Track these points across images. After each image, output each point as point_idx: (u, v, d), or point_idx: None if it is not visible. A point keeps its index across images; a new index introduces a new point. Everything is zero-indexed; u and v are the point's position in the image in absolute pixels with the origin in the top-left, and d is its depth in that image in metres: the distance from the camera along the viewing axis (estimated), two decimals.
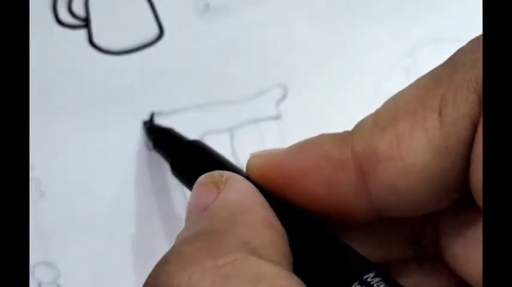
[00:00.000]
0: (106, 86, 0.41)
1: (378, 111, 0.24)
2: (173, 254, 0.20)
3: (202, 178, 0.25)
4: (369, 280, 0.20)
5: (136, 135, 0.40)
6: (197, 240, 0.21)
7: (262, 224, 0.21)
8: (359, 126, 0.24)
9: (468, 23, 0.44)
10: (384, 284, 0.20)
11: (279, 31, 0.43)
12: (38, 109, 0.39)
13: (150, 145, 0.39)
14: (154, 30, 0.42)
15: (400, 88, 0.43)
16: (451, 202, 0.23)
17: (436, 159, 0.21)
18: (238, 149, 0.40)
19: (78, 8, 0.42)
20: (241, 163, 0.40)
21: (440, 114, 0.21)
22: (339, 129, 0.41)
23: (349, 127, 0.42)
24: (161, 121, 0.40)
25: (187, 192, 0.39)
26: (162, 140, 0.37)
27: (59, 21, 0.41)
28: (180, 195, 0.39)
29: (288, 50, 0.42)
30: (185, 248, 0.20)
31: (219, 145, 0.40)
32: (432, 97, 0.22)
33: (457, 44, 0.44)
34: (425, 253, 0.26)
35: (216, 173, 0.25)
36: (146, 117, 0.40)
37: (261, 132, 0.41)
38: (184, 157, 0.32)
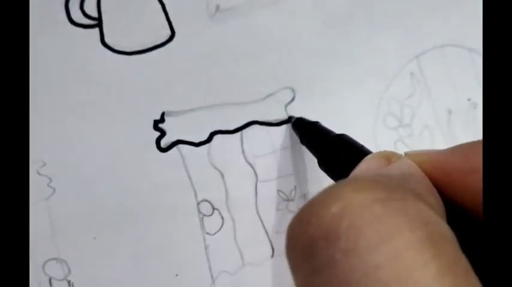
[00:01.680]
0: (117, 85, 0.41)
1: None
2: (347, 179, 0.20)
3: (372, 154, 0.26)
4: None
5: (147, 134, 0.40)
6: (373, 176, 0.21)
7: (430, 190, 0.22)
8: None
9: (471, 30, 0.45)
10: None
11: (288, 35, 0.43)
12: (50, 107, 0.40)
13: (162, 143, 0.40)
14: (165, 32, 0.42)
15: (406, 91, 0.44)
16: None
17: None
18: (247, 149, 0.41)
19: (91, 8, 0.42)
20: (251, 163, 0.41)
21: None
22: (348, 129, 0.42)
23: (358, 128, 0.43)
24: (171, 121, 0.41)
25: (198, 190, 0.39)
26: (308, 134, 0.37)
27: (72, 21, 0.42)
28: (190, 193, 0.40)
29: (297, 54, 0.43)
30: (360, 178, 0.20)
31: (228, 145, 0.41)
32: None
33: (460, 50, 0.45)
34: None
35: (387, 150, 0.25)
36: (156, 116, 0.41)
37: (270, 133, 0.41)
38: (332, 150, 0.32)
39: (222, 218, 0.40)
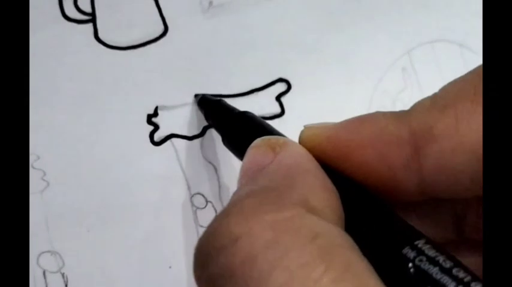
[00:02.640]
0: (111, 80, 0.41)
1: (436, 94, 0.24)
2: (235, 207, 0.20)
3: (257, 141, 0.25)
4: (419, 245, 0.21)
5: (140, 128, 0.41)
6: (258, 195, 0.21)
7: (318, 185, 0.22)
8: (416, 106, 0.24)
9: (463, 24, 0.45)
10: (433, 251, 0.20)
11: (281, 30, 0.43)
12: (44, 101, 0.40)
13: (156, 137, 0.40)
14: (158, 27, 0.42)
15: (397, 86, 0.44)
16: None
17: None
18: None
19: (84, 4, 0.42)
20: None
21: None
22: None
23: None
24: (165, 115, 0.41)
25: (191, 184, 0.40)
26: (212, 111, 0.38)
27: (65, 16, 0.42)
28: (183, 186, 0.40)
29: (289, 49, 0.43)
30: (246, 202, 0.20)
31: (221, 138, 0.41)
32: None
33: (451, 45, 0.46)
34: (465, 237, 0.27)
35: (272, 137, 0.25)
36: (150, 111, 0.41)
37: None
38: (235, 127, 0.32)
39: (215, 211, 0.40)
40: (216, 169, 0.40)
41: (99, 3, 0.42)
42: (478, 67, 0.24)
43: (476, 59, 0.45)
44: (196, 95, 0.41)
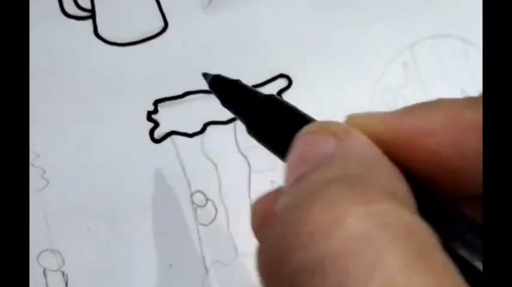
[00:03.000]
0: (110, 76, 0.41)
1: None
2: (315, 195, 0.18)
3: (313, 127, 0.22)
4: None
5: (140, 125, 0.40)
6: (342, 182, 0.18)
7: (395, 177, 0.20)
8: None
9: (464, 20, 0.45)
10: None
11: (281, 25, 0.43)
12: (44, 98, 0.40)
13: (156, 134, 0.40)
14: (158, 23, 0.42)
15: (399, 81, 0.44)
16: None
17: None
18: (240, 140, 0.41)
19: (84, 0, 0.42)
20: (244, 153, 0.41)
21: None
22: (341, 119, 0.42)
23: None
24: (165, 112, 0.41)
25: (191, 182, 0.40)
26: (232, 95, 0.31)
27: (65, 13, 0.42)
28: (183, 184, 0.40)
29: (290, 44, 0.43)
30: (329, 190, 0.18)
31: (222, 135, 0.41)
32: None
33: (453, 40, 0.45)
34: None
35: (331, 123, 0.22)
36: (150, 107, 0.41)
37: None
38: (264, 114, 0.27)
39: (216, 209, 0.40)
40: (216, 167, 0.40)
41: (99, 0, 0.42)
42: None
43: (478, 54, 0.44)
44: (205, 75, 0.34)
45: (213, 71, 0.41)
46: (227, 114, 0.41)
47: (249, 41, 0.43)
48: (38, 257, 0.38)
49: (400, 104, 0.45)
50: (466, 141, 0.21)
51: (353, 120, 0.22)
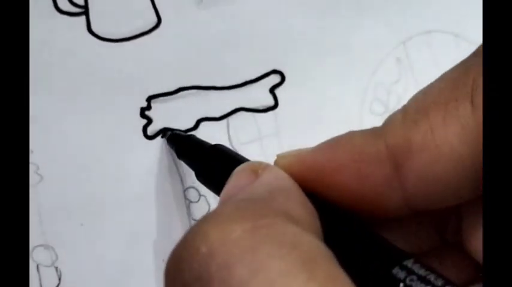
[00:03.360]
0: (104, 72, 0.41)
1: (406, 106, 0.24)
2: (211, 214, 0.20)
3: (240, 167, 0.25)
4: (409, 265, 0.20)
5: (133, 121, 0.40)
6: (235, 203, 0.21)
7: (299, 202, 0.22)
8: (389, 120, 0.23)
9: (458, 16, 0.45)
10: (423, 270, 0.20)
11: (274, 21, 0.43)
12: (36, 94, 0.40)
13: (149, 131, 0.40)
14: (152, 19, 0.42)
15: (392, 77, 0.44)
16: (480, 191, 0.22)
17: (469, 146, 0.21)
18: (233, 136, 0.41)
19: None
20: (237, 149, 0.41)
21: (471, 101, 0.21)
22: (334, 116, 0.42)
23: (344, 114, 0.43)
24: (158, 108, 0.41)
25: (184, 178, 0.40)
26: (184, 148, 0.37)
27: (58, 9, 0.42)
28: (177, 180, 0.40)
29: (283, 40, 0.43)
30: (224, 209, 0.20)
31: (214, 131, 0.41)
32: (462, 86, 0.22)
33: (447, 35, 0.45)
34: (448, 243, 0.26)
35: (255, 162, 0.25)
36: (143, 104, 0.41)
37: (256, 119, 0.42)
38: (209, 162, 0.32)
39: (209, 204, 0.40)
40: None
41: None
42: (446, 73, 0.24)
43: (472, 49, 0.44)
44: (164, 131, 0.40)
45: (206, 66, 0.42)
46: (220, 111, 0.42)
47: (242, 37, 0.43)
48: (31, 252, 0.38)
49: (393, 100, 0.45)
50: (370, 173, 0.23)
51: (280, 159, 0.25)
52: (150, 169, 0.40)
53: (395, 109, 0.42)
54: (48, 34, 0.41)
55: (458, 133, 0.21)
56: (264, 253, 0.18)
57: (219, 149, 0.32)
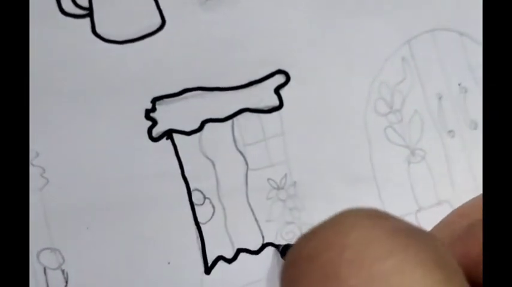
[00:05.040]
0: (109, 74, 0.41)
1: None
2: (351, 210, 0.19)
3: None
4: None
5: (139, 123, 0.41)
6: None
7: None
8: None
9: (463, 14, 0.45)
10: None
11: (279, 21, 0.43)
12: (42, 97, 0.40)
13: (154, 132, 0.40)
14: (156, 20, 0.42)
15: (397, 76, 0.44)
16: None
17: None
18: (238, 137, 0.41)
19: None
20: (241, 151, 0.41)
21: None
22: (339, 115, 0.42)
23: (349, 113, 0.43)
24: (163, 110, 0.41)
25: (189, 180, 0.40)
26: None
27: (63, 11, 0.42)
28: (182, 182, 0.40)
29: (287, 40, 0.43)
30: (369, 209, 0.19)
31: (219, 133, 0.41)
32: None
33: (452, 33, 0.45)
34: None
35: None
36: (148, 105, 0.41)
37: (261, 120, 0.42)
38: None
39: (213, 207, 0.40)
40: (214, 165, 0.41)
41: None
42: None
43: (477, 48, 0.44)
44: (276, 246, 0.40)
45: (211, 67, 0.42)
46: (225, 112, 0.42)
47: (246, 37, 0.43)
48: (38, 255, 0.39)
49: (398, 99, 0.45)
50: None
51: None
52: (155, 171, 0.40)
53: (399, 109, 0.42)
54: (53, 36, 0.41)
55: None
56: (404, 240, 0.17)
57: None
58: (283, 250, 0.40)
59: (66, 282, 0.39)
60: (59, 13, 0.42)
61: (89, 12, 0.42)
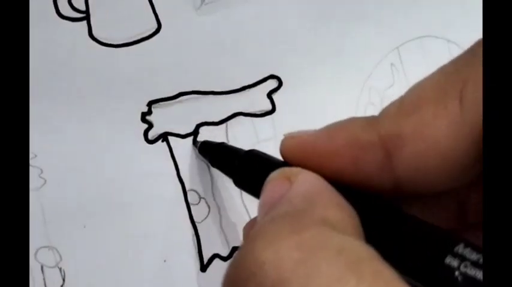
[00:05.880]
0: (105, 77, 0.42)
1: (402, 98, 0.25)
2: (258, 234, 0.21)
3: (273, 174, 0.26)
4: (460, 251, 0.20)
5: (135, 126, 0.41)
6: (279, 220, 0.22)
7: (336, 204, 0.23)
8: (385, 111, 0.25)
9: (450, 21, 0.46)
10: (475, 254, 0.20)
11: (272, 26, 0.44)
12: (39, 99, 0.41)
13: (150, 135, 0.41)
14: (152, 24, 0.43)
15: (386, 82, 0.45)
16: (473, 177, 0.24)
17: (456, 142, 0.23)
18: (232, 140, 0.42)
19: (78, 1, 0.43)
20: None
21: (460, 100, 0.22)
22: (330, 119, 0.43)
23: (339, 118, 0.44)
24: (159, 113, 0.42)
25: (185, 179, 0.41)
26: (219, 156, 0.37)
27: (60, 14, 0.42)
28: (177, 184, 0.41)
29: (280, 45, 0.44)
30: (269, 227, 0.21)
31: (213, 136, 0.42)
32: (453, 83, 0.23)
33: (440, 40, 0.46)
34: (468, 223, 0.27)
35: (286, 168, 0.26)
36: (144, 108, 0.42)
37: (254, 124, 0.43)
38: (245, 168, 0.32)
39: (208, 207, 0.41)
40: (208, 166, 0.41)
41: (93, 1, 0.43)
42: (441, 67, 0.25)
43: None
44: (194, 142, 0.41)
45: (205, 71, 0.43)
46: (219, 115, 0.42)
47: (240, 42, 0.44)
48: (35, 254, 0.39)
49: (387, 104, 0.46)
50: (363, 159, 0.24)
51: (287, 140, 0.27)
52: (151, 172, 0.41)
53: None
54: (50, 39, 0.42)
55: (446, 129, 0.23)
56: (312, 263, 0.19)
57: (254, 155, 0.32)
58: (202, 147, 0.41)
59: (64, 280, 0.39)
60: (56, 16, 0.42)
61: (86, 16, 0.43)
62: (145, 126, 0.41)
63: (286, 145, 0.27)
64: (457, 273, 0.20)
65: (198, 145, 0.40)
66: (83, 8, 0.43)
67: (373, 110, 0.44)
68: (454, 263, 0.20)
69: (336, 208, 0.22)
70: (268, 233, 0.21)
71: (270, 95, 0.43)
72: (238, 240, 0.41)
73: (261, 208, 0.25)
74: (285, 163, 0.27)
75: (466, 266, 0.20)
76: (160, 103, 0.42)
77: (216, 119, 0.42)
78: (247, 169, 0.31)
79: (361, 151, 0.24)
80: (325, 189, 0.24)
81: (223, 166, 0.36)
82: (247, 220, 0.42)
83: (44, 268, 0.39)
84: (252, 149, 0.32)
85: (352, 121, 0.25)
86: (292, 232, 0.20)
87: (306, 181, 0.24)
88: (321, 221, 0.21)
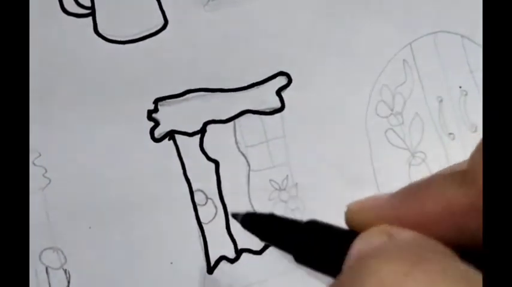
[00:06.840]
0: (110, 75, 0.41)
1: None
2: (379, 255, 0.20)
3: (369, 232, 0.23)
4: None
5: (141, 124, 0.41)
6: (393, 246, 0.21)
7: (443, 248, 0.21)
8: (474, 161, 0.21)
9: (464, 16, 0.45)
10: None
11: (281, 23, 0.43)
12: (45, 97, 0.40)
13: (156, 133, 0.40)
14: (158, 20, 0.42)
15: (398, 79, 0.44)
16: None
17: None
18: (240, 139, 0.41)
19: None
20: (243, 152, 0.41)
21: None
22: (340, 117, 0.42)
23: (350, 115, 0.43)
24: (165, 110, 0.41)
25: (192, 179, 0.40)
26: (271, 230, 0.31)
27: (65, 10, 0.42)
28: (184, 184, 0.40)
29: (289, 42, 0.43)
30: (388, 250, 0.20)
31: (221, 134, 0.41)
32: None
33: (452, 36, 0.45)
34: None
35: (385, 226, 0.23)
36: (150, 106, 0.41)
37: (263, 121, 0.42)
38: (308, 242, 0.28)
39: (216, 207, 0.40)
40: (216, 166, 0.41)
41: None
42: None
43: (478, 51, 0.44)
44: (234, 215, 0.33)
45: (213, 68, 0.42)
46: (227, 113, 0.42)
47: (248, 39, 0.43)
48: (40, 255, 0.39)
49: (399, 102, 0.45)
50: (467, 224, 0.21)
51: (354, 210, 0.24)
52: (158, 171, 0.40)
53: (400, 111, 0.42)
54: (55, 35, 0.41)
55: None
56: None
57: (316, 224, 0.28)
58: (246, 220, 0.36)
59: (68, 282, 0.39)
60: (61, 12, 0.42)
61: (91, 12, 0.42)
62: (152, 124, 0.41)
63: (354, 212, 0.24)
64: None
65: (240, 218, 0.35)
66: (88, 3, 0.42)
67: (385, 108, 0.43)
68: None
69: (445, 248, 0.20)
70: (386, 251, 0.20)
71: (279, 92, 0.42)
72: (246, 242, 0.40)
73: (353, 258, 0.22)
74: (356, 233, 0.25)
75: None
76: (167, 101, 0.41)
77: (224, 117, 0.41)
78: (311, 243, 0.28)
79: (463, 217, 0.21)
80: (428, 240, 0.21)
81: (280, 241, 0.30)
82: None
83: (49, 269, 0.39)
84: (313, 220, 0.28)
85: (440, 180, 0.22)
86: (410, 254, 0.19)
87: (409, 233, 0.22)
88: (442, 252, 0.20)
